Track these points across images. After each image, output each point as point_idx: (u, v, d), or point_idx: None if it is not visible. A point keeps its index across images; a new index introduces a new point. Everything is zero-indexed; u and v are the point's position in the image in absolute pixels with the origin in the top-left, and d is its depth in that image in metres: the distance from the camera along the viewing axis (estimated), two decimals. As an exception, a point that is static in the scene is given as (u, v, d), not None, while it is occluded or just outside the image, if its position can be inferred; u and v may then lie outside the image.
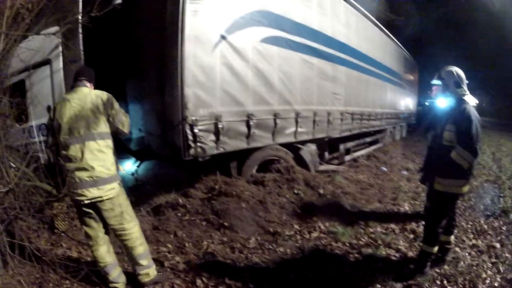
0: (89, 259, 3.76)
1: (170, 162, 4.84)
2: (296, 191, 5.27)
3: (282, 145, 5.78)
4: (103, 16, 4.33)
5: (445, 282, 3.33)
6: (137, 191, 4.27)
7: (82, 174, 2.79)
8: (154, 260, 3.46)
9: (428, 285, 3.29)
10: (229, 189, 4.81)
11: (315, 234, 4.39)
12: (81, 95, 2.93)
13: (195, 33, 4.39)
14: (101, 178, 2.82)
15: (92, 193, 2.80)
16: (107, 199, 2.86)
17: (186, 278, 3.44)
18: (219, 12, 4.64)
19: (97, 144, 2.83)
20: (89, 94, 2.94)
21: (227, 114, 4.81)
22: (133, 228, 3.06)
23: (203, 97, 4.54)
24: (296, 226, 4.58)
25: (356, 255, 3.90)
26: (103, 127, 2.89)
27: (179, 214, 4.58)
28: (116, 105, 3.01)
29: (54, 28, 4.52)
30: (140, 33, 5.14)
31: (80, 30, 4.62)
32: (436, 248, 3.38)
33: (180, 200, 4.75)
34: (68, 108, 2.86)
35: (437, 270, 3.50)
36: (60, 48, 4.67)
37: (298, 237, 4.31)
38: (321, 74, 6.71)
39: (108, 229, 3.11)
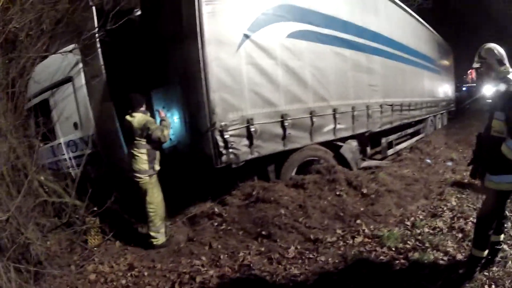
0: (120, 273, 3.60)
1: (204, 170, 4.38)
2: (338, 193, 4.58)
3: (321, 144, 5.11)
4: (119, 29, 4.11)
5: (493, 286, 2.73)
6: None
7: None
8: (186, 274, 3.42)
9: (477, 292, 2.67)
10: (267, 194, 4.25)
11: (359, 239, 3.75)
12: (131, 119, 3.98)
13: (215, 35, 3.95)
14: (136, 171, 3.97)
15: (135, 177, 3.98)
16: (139, 182, 3.99)
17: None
18: (238, 11, 4.16)
19: (134, 152, 3.97)
20: (134, 120, 3.96)
21: (259, 116, 4.26)
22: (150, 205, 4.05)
23: (231, 100, 4.06)
24: (339, 231, 3.96)
25: (402, 260, 3.26)
26: (138, 142, 3.95)
27: (215, 224, 4.16)
28: (152, 125, 3.94)
29: (71, 46, 4.36)
30: (161, 43, 4.74)
31: (98, 45, 4.39)
32: (486, 252, 2.80)
33: (216, 209, 4.30)
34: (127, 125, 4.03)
35: (486, 273, 2.87)
36: (80, 65, 4.44)
37: (341, 243, 3.71)
38: (356, 66, 5.93)
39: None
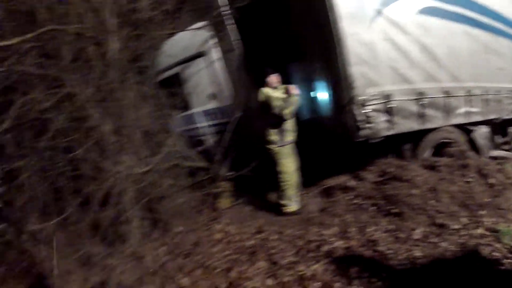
0: (247, 235, 3.73)
1: (342, 144, 4.40)
2: (467, 179, 4.25)
3: (455, 126, 4.80)
4: (250, 6, 4.20)
5: None
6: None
7: None
8: (313, 242, 3.48)
9: None
10: (401, 173, 4.11)
11: (479, 231, 3.46)
12: (259, 92, 4.10)
13: (349, 10, 3.92)
14: (267, 141, 4.15)
15: (266, 148, 4.16)
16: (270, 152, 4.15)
17: (341, 264, 3.04)
18: None
19: (264, 123, 4.11)
20: (261, 93, 4.10)
21: (397, 93, 4.11)
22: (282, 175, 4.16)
23: (370, 75, 3.98)
24: (463, 219, 3.68)
25: (510, 260, 2.95)
26: (265, 114, 4.08)
27: (349, 197, 4.14)
28: (274, 101, 3.99)
29: (201, 23, 4.51)
30: (295, 18, 4.79)
31: (230, 22, 4.47)
32: None
33: (351, 183, 4.29)
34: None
35: None
36: (213, 41, 4.58)
37: (463, 232, 3.46)
38: (485, 46, 5.39)
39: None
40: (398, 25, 4.23)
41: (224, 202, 4.34)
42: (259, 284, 3.03)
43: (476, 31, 5.27)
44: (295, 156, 4.21)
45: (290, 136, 4.18)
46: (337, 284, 2.88)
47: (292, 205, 4.17)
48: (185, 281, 3.15)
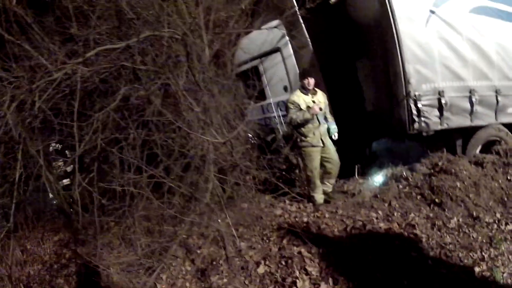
0: (304, 213, 4.16)
1: (399, 137, 4.75)
2: (509, 177, 4.38)
3: (504, 125, 4.92)
4: (321, 7, 4.53)
5: None
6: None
7: None
8: (360, 221, 3.81)
9: None
10: (450, 166, 4.32)
11: (510, 227, 3.67)
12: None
13: (405, 12, 4.22)
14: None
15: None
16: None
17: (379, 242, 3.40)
18: None
19: None
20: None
21: (449, 89, 4.36)
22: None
23: (424, 72, 4.28)
24: (498, 215, 3.90)
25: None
26: None
27: (400, 186, 4.42)
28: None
29: (275, 22, 4.87)
30: (360, 19, 4.95)
31: (301, 21, 4.75)
32: None
33: (405, 173, 4.55)
34: None
35: None
36: (287, 38, 4.93)
37: (495, 226, 3.70)
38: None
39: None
40: (450, 24, 4.45)
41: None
42: (305, 250, 3.45)
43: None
44: (317, 158, 4.23)
45: (312, 138, 4.15)
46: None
47: (316, 199, 4.36)
48: (242, 245, 3.63)
